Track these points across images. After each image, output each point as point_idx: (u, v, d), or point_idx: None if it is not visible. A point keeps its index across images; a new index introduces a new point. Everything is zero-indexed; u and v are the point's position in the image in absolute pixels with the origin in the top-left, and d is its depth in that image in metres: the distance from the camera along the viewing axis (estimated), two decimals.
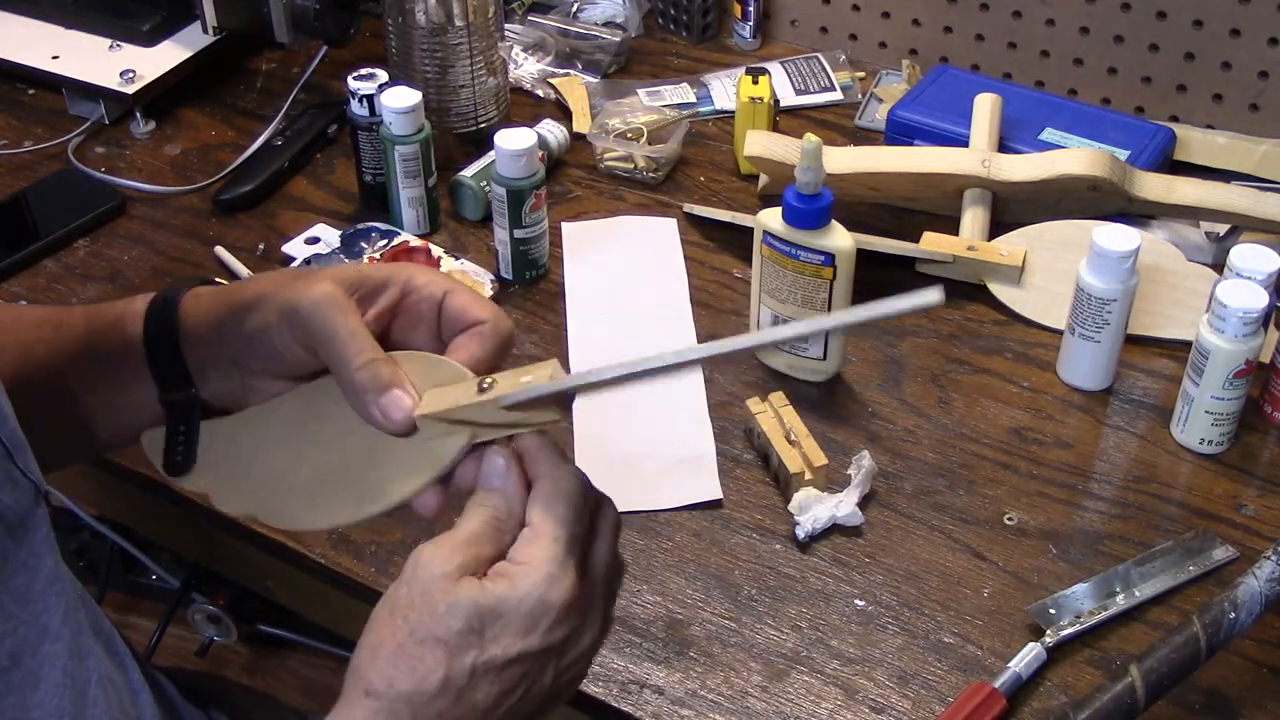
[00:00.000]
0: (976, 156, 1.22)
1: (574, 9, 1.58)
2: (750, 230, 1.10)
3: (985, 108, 1.28)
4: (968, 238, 1.20)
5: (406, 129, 1.21)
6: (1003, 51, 1.44)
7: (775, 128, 1.31)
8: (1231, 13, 1.30)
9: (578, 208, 1.31)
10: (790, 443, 1.02)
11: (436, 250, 1.22)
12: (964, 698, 0.86)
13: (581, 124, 1.40)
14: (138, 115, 1.41)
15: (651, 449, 1.05)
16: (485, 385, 0.63)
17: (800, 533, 0.97)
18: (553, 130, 1.34)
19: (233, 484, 0.71)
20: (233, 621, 1.58)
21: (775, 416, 1.04)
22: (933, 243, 1.17)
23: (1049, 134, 1.30)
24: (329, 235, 1.25)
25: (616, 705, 0.88)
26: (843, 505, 0.98)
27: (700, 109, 1.44)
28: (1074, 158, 1.19)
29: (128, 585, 1.71)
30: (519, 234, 1.19)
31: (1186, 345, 1.03)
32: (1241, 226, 1.20)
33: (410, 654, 0.60)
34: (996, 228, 1.22)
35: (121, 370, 0.74)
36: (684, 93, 1.46)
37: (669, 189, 1.33)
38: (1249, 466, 1.04)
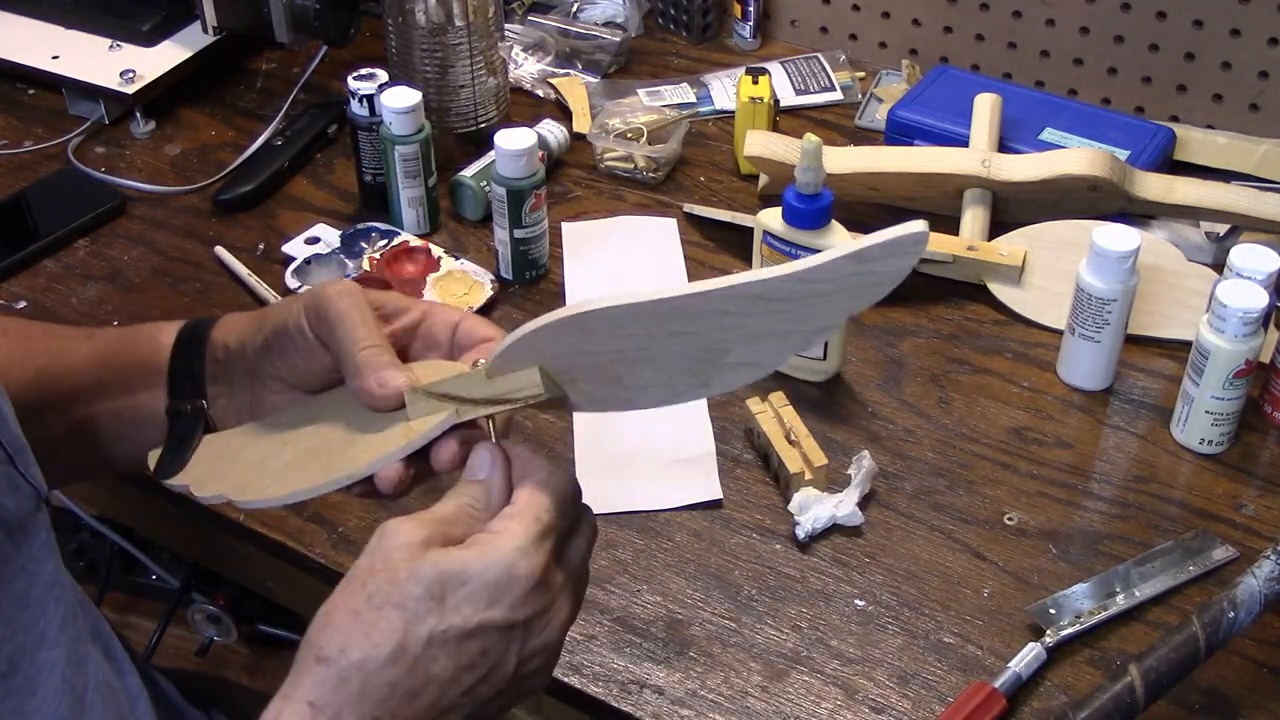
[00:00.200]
0: (976, 156, 1.22)
1: (574, 9, 1.58)
2: (750, 230, 1.10)
3: (985, 108, 1.28)
4: (968, 238, 1.20)
5: (406, 129, 1.21)
6: (1003, 51, 1.44)
7: (775, 128, 1.31)
8: (1231, 13, 1.30)
9: (578, 208, 1.31)
10: (790, 443, 1.02)
11: (436, 250, 1.22)
12: (964, 698, 0.86)
13: (581, 124, 1.40)
14: (138, 115, 1.41)
15: (651, 449, 1.05)
16: (476, 365, 0.65)
17: (800, 533, 0.97)
18: (553, 130, 1.34)
19: (215, 476, 0.71)
20: (233, 621, 1.58)
21: (775, 416, 1.04)
22: (933, 243, 1.17)
23: (1049, 134, 1.30)
24: (329, 235, 1.25)
25: (616, 705, 0.88)
26: (843, 505, 0.98)
27: (700, 109, 1.44)
28: (1074, 158, 1.19)
29: (128, 585, 1.71)
30: (519, 234, 1.19)
31: (1186, 345, 1.03)
32: (1241, 226, 1.20)
33: (365, 620, 0.59)
34: (996, 228, 1.22)
35: (138, 377, 0.75)
36: (684, 93, 1.46)
37: (669, 189, 1.33)
38: (1249, 466, 1.04)
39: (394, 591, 0.59)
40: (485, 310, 1.18)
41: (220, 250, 1.25)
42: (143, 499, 1.10)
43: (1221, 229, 1.20)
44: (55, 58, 1.43)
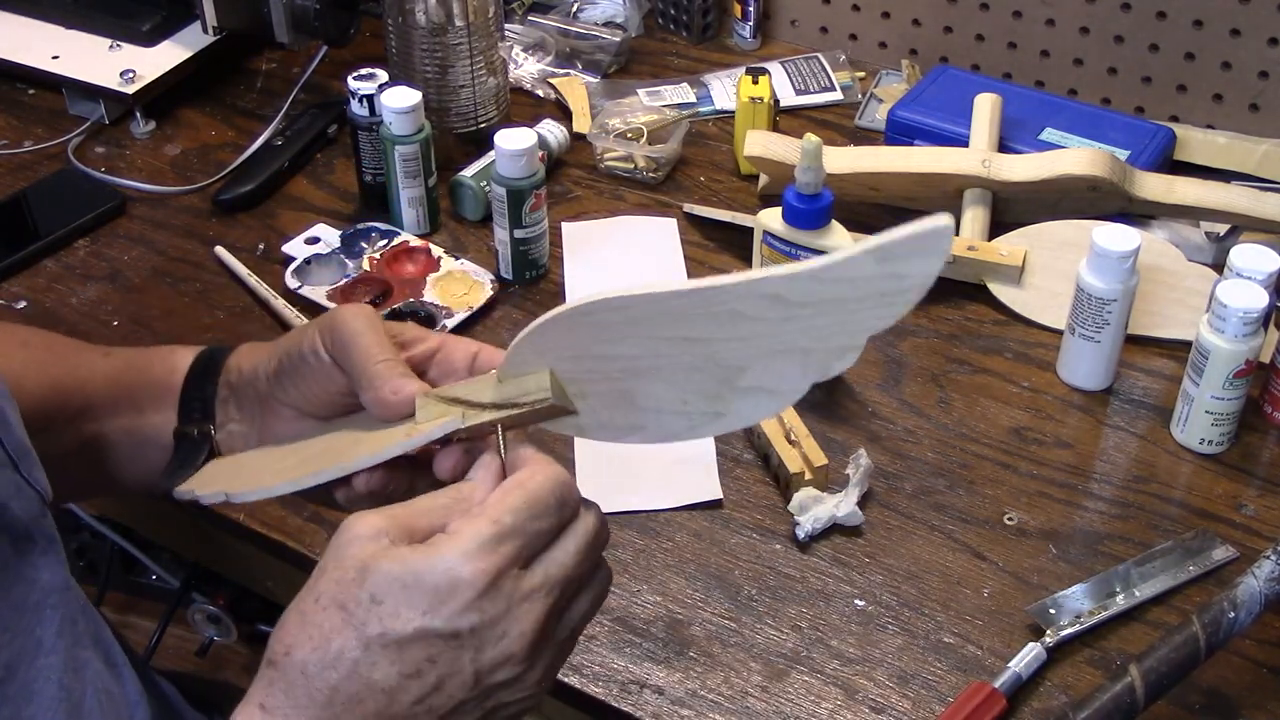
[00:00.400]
0: (976, 156, 1.22)
1: (574, 9, 1.58)
2: (750, 230, 1.10)
3: (985, 108, 1.28)
4: (968, 238, 1.20)
5: (406, 129, 1.21)
6: (1003, 51, 1.44)
7: (775, 128, 1.31)
8: (1231, 13, 1.30)
9: (578, 208, 1.31)
10: (790, 443, 1.02)
11: (436, 250, 1.22)
12: (964, 698, 0.86)
13: (581, 124, 1.40)
14: (138, 115, 1.41)
15: (651, 449, 1.04)
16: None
17: (800, 533, 0.97)
18: (553, 130, 1.34)
19: (219, 480, 0.71)
20: (233, 621, 1.58)
21: (775, 416, 1.04)
22: None
23: (1049, 134, 1.30)
24: (329, 235, 1.25)
25: (616, 705, 0.88)
26: (842, 505, 0.98)
27: (700, 109, 1.44)
28: (1074, 158, 1.19)
29: (128, 585, 1.71)
30: (519, 234, 1.19)
31: (1186, 345, 1.03)
32: (1241, 226, 1.20)
33: (310, 620, 0.57)
34: (996, 228, 1.22)
35: (150, 397, 0.75)
36: (684, 93, 1.46)
37: (669, 189, 1.33)
38: (1249, 466, 1.04)
39: (339, 591, 0.57)
40: (485, 310, 1.18)
41: (220, 250, 1.25)
42: (143, 499, 1.10)
43: (1221, 229, 1.20)
44: (55, 58, 1.43)
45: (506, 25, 1.52)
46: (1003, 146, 1.28)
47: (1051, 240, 1.18)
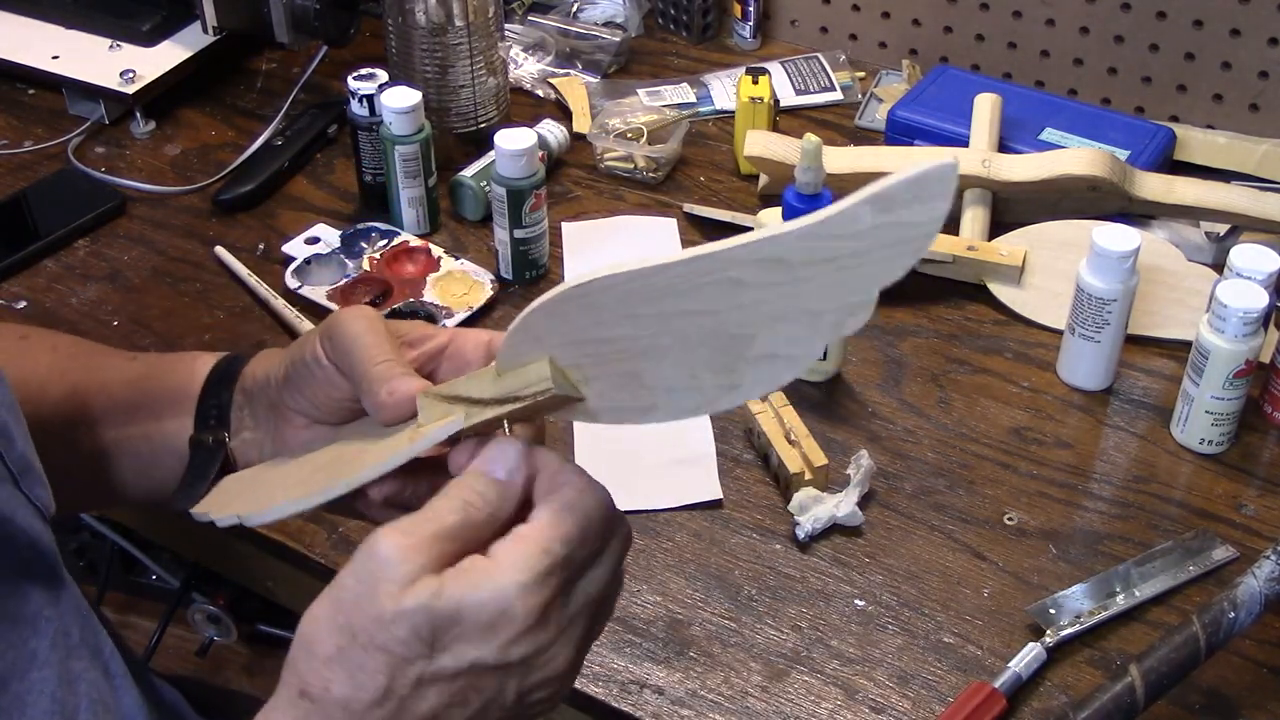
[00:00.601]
0: (976, 156, 1.22)
1: (574, 9, 1.58)
2: (750, 230, 1.10)
3: (985, 108, 1.28)
4: (968, 238, 1.20)
5: (406, 129, 1.21)
6: (1003, 51, 1.44)
7: (775, 128, 1.31)
8: (1231, 13, 1.30)
9: (578, 208, 1.31)
10: (790, 443, 1.02)
11: (436, 250, 1.22)
12: (964, 698, 0.86)
13: (581, 124, 1.40)
14: (138, 115, 1.41)
15: (651, 449, 1.05)
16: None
17: (800, 533, 0.97)
18: (553, 130, 1.34)
19: (232, 500, 0.71)
20: (233, 621, 1.58)
21: (775, 416, 1.04)
22: (933, 243, 1.17)
23: (1049, 134, 1.30)
24: (329, 235, 1.25)
25: (616, 705, 0.88)
26: (843, 505, 0.98)
27: (700, 109, 1.44)
28: (1074, 158, 1.19)
29: (128, 585, 1.71)
30: (519, 234, 1.19)
31: (1186, 345, 1.03)
32: (1241, 226, 1.20)
33: (350, 659, 0.55)
34: (996, 228, 1.22)
35: (168, 403, 0.75)
36: (684, 93, 1.46)
37: (669, 189, 1.33)
38: (1249, 466, 1.04)
39: (379, 633, 0.55)
40: (485, 310, 1.18)
41: (220, 250, 1.25)
42: None
43: (1221, 229, 1.20)
44: (55, 58, 1.43)
45: (506, 25, 1.52)
46: (1003, 146, 1.28)
47: (1051, 240, 1.18)
